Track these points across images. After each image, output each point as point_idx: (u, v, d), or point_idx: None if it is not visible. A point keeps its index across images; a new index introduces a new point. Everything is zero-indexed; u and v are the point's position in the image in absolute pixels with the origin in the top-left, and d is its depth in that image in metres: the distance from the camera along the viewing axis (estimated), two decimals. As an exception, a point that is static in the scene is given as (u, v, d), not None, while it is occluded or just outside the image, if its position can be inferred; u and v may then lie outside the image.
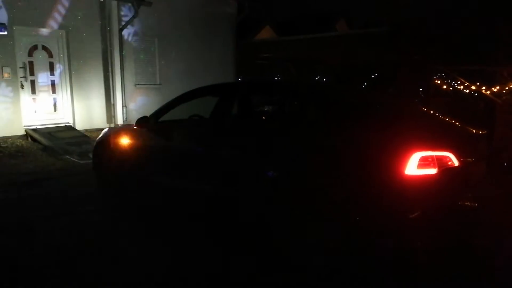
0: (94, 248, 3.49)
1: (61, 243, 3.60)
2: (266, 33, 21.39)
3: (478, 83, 6.80)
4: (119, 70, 9.41)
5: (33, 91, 8.49)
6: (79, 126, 9.00)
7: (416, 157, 2.68)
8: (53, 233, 3.83)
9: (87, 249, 3.47)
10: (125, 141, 4.67)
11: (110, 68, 9.38)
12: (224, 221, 3.98)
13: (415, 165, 2.68)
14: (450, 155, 2.79)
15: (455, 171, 2.80)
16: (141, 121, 4.49)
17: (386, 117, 3.17)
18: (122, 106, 9.58)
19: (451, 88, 7.15)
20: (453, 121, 3.38)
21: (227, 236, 3.69)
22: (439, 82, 7.35)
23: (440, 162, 2.74)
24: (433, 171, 2.71)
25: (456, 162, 2.80)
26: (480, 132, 3.26)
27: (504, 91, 6.25)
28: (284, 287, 2.80)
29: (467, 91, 6.83)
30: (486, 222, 3.28)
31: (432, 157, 2.72)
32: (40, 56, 8.54)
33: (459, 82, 7.05)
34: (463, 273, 2.97)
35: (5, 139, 7.87)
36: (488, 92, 6.34)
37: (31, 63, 8.40)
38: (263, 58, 17.31)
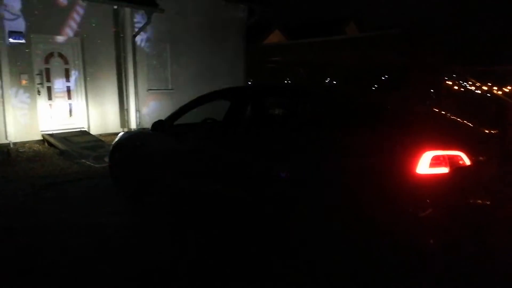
0: (111, 248, 3.61)
1: (80, 243, 3.72)
2: (275, 37, 21.49)
3: (489, 84, 6.77)
4: (132, 75, 9.59)
5: (50, 97, 8.71)
6: (93, 131, 9.19)
7: (428, 156, 2.72)
8: (72, 234, 3.95)
9: (104, 249, 3.58)
10: (141, 144, 4.79)
11: (123, 74, 9.57)
12: (234, 221, 4.06)
13: (427, 164, 2.72)
14: (462, 155, 2.83)
15: (466, 170, 2.84)
16: (157, 125, 4.60)
17: (398, 118, 3.22)
18: (135, 111, 9.76)
19: (462, 89, 7.15)
20: (464, 122, 3.41)
21: (239, 235, 3.78)
22: (450, 83, 7.34)
23: (451, 161, 2.78)
24: (444, 170, 2.75)
25: (467, 161, 2.84)
26: (491, 131, 3.29)
27: (516, 91, 6.22)
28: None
29: (479, 92, 6.81)
30: (498, 220, 3.30)
31: (443, 156, 2.76)
32: (56, 63, 8.77)
33: (470, 83, 7.04)
34: (473, 271, 2.99)
35: (22, 144, 8.09)
36: (500, 93, 6.32)
37: (47, 70, 8.63)
38: (273, 61, 17.41)
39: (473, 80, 7.01)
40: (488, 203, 3.04)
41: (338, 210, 2.96)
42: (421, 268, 2.98)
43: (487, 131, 3.28)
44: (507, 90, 6.31)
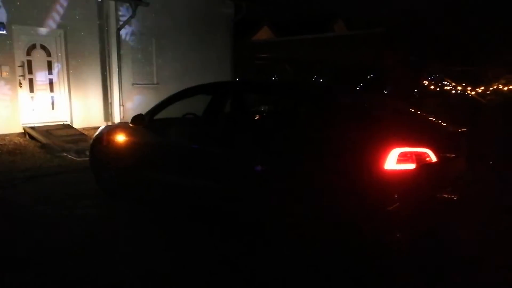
0: (88, 240, 3.62)
1: (58, 236, 3.73)
2: (264, 34, 21.53)
3: (464, 84, 6.97)
4: (117, 69, 9.52)
5: (31, 89, 8.60)
6: (76, 125, 9.11)
7: (395, 153, 2.81)
8: (48, 226, 3.96)
9: (82, 241, 3.60)
10: (120, 138, 4.79)
11: (107, 67, 9.50)
12: (214, 213, 4.11)
13: (394, 160, 2.81)
14: (428, 151, 2.92)
15: (433, 166, 2.94)
16: (136, 119, 4.60)
17: (369, 115, 3.30)
18: (119, 105, 9.70)
19: (438, 89, 7.34)
20: (434, 120, 3.51)
21: (219, 228, 3.84)
22: (426, 83, 7.52)
23: (418, 158, 2.87)
24: (411, 166, 2.84)
25: (434, 158, 2.94)
26: (460, 130, 3.39)
27: (488, 92, 6.42)
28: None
29: (454, 91, 7.01)
30: (466, 214, 3.43)
31: (410, 153, 2.85)
32: (38, 55, 8.66)
33: (446, 83, 7.22)
34: (439, 263, 3.11)
35: (3, 136, 7.98)
36: (474, 93, 6.52)
37: (29, 62, 8.52)
38: (261, 58, 17.42)
39: (449, 80, 7.18)
40: (454, 197, 3.15)
41: (310, 204, 3.03)
42: (387, 260, 3.08)
43: (455, 129, 3.39)
44: (480, 90, 6.51)
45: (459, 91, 6.77)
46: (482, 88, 6.50)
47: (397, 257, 3.07)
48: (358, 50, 12.64)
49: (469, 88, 6.69)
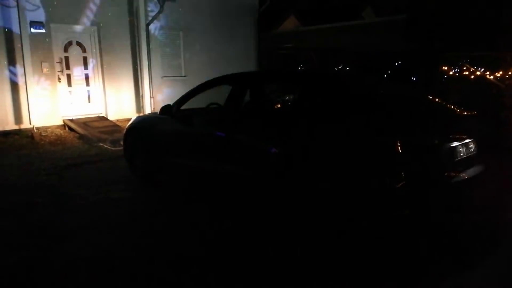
0: (122, 219, 4.03)
1: (95, 214, 4.16)
2: (291, 23, 21.47)
3: (482, 69, 6.85)
4: (147, 63, 9.96)
5: (69, 84, 9.20)
6: (111, 116, 9.66)
7: (403, 138, 2.96)
8: (89, 207, 4.40)
9: (116, 221, 4.00)
10: (151, 127, 5.16)
11: (138, 62, 9.96)
12: (235, 196, 4.41)
13: (401, 145, 2.95)
14: (436, 134, 3.06)
15: (441, 147, 3.07)
16: (165, 109, 4.94)
17: (381, 103, 3.44)
18: (150, 97, 10.15)
19: (457, 75, 7.25)
20: (444, 104, 3.61)
21: (240, 210, 4.13)
22: (446, 68, 7.44)
23: (426, 141, 3.02)
24: (418, 148, 2.99)
25: (441, 140, 3.08)
26: (470, 113, 3.49)
27: (507, 76, 6.30)
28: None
29: (475, 77, 6.90)
30: (479, 194, 3.55)
31: (418, 136, 3.00)
32: (74, 52, 9.23)
33: (464, 68, 7.11)
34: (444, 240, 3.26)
35: (45, 128, 8.62)
36: (492, 77, 6.41)
37: (66, 58, 9.10)
38: (287, 48, 17.48)
39: (467, 66, 7.08)
40: (465, 176, 3.27)
41: (323, 182, 3.24)
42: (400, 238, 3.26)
43: (465, 113, 3.47)
44: (498, 75, 6.39)
45: (478, 77, 6.66)
46: (501, 73, 6.37)
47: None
48: (383, 37, 12.49)
49: (487, 73, 6.58)
